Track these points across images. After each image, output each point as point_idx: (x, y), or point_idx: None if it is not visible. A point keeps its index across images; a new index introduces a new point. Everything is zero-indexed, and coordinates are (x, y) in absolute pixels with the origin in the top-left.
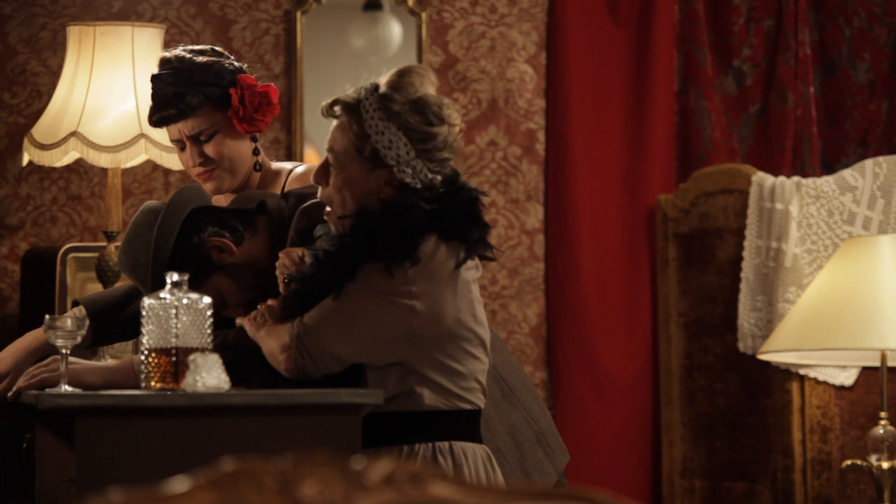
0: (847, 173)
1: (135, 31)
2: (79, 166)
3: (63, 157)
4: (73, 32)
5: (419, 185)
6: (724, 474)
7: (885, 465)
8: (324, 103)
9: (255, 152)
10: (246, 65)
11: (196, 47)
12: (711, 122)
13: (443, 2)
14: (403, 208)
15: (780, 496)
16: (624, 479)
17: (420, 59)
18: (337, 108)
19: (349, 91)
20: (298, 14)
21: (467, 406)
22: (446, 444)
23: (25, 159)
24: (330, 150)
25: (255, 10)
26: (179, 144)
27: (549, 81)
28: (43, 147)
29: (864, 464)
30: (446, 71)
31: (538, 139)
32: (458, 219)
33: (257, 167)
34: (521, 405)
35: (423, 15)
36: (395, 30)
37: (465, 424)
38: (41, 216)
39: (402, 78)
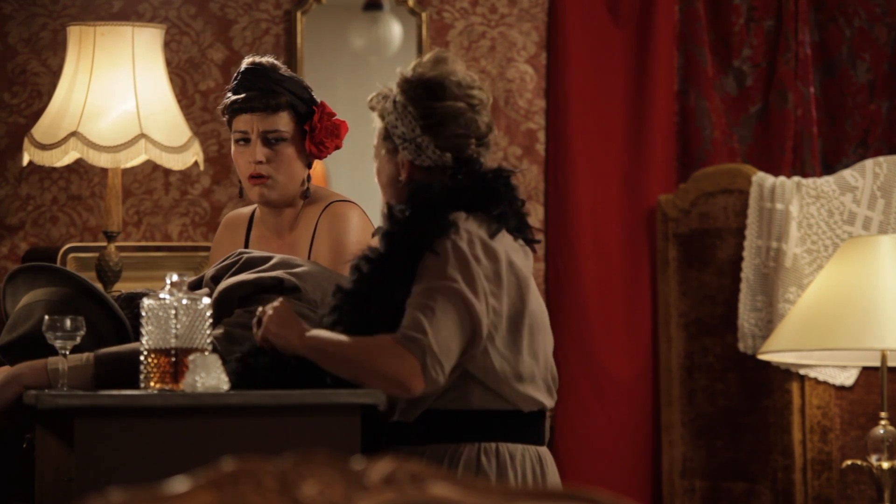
0: (847, 173)
1: (135, 31)
2: (79, 166)
3: (63, 157)
4: (74, 32)
5: (427, 163)
6: (724, 474)
7: (885, 465)
8: (370, 96)
9: (308, 179)
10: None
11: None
12: (711, 122)
13: (443, 2)
14: (418, 189)
15: (780, 496)
16: (624, 479)
17: None
18: (372, 100)
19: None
20: (298, 14)
21: (523, 406)
22: (493, 445)
23: (25, 159)
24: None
25: (255, 10)
26: (244, 139)
27: (549, 81)
28: (43, 147)
29: (865, 464)
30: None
31: (538, 139)
32: (481, 194)
33: (305, 195)
34: None
35: (423, 15)
36: (395, 30)
37: (518, 425)
38: (41, 216)
39: (432, 60)
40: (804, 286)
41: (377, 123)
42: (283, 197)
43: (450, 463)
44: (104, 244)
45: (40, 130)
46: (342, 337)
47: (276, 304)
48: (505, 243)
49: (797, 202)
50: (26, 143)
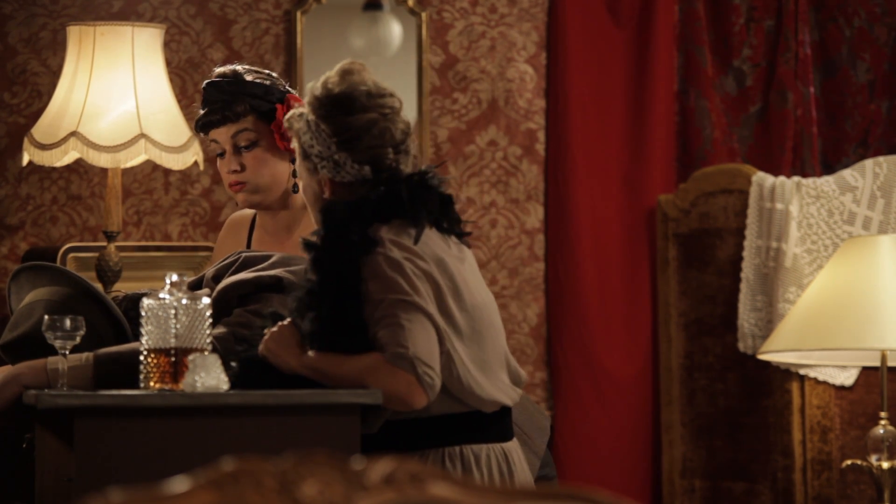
0: (847, 173)
1: (135, 31)
2: (79, 166)
3: (63, 157)
4: (73, 32)
5: (347, 179)
6: (724, 474)
7: (885, 465)
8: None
9: (294, 174)
10: (297, 90)
11: (254, 68)
12: (711, 122)
13: (443, 2)
14: (327, 211)
15: (780, 496)
16: (624, 479)
17: (420, 59)
18: (288, 119)
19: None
20: (298, 14)
21: (485, 409)
22: (456, 448)
23: (25, 159)
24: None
25: (255, 10)
26: (220, 153)
27: (549, 81)
28: (43, 147)
29: (864, 464)
30: (446, 71)
31: (538, 139)
32: (393, 202)
33: (295, 189)
34: None
35: (423, 15)
36: (395, 30)
37: (480, 425)
38: (41, 216)
39: (339, 76)
40: (804, 286)
41: (294, 144)
42: (267, 198)
43: None
44: (104, 244)
45: (40, 130)
46: (339, 358)
47: (282, 323)
48: (432, 245)
49: (797, 202)
50: (26, 142)
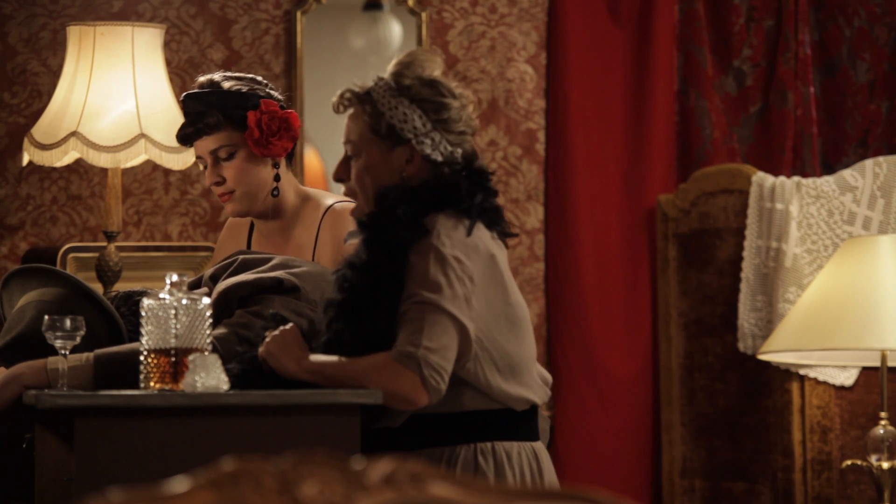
0: (847, 173)
1: (135, 31)
2: (79, 166)
3: (63, 157)
4: (73, 32)
5: (440, 158)
6: (724, 474)
7: (885, 465)
8: (334, 98)
9: (276, 178)
10: (282, 93)
11: (235, 74)
12: (711, 122)
13: (443, 2)
14: (384, 193)
15: (780, 496)
16: (624, 479)
17: None
18: (347, 96)
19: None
20: (298, 14)
21: (515, 406)
22: (488, 444)
23: (25, 159)
24: (347, 142)
25: (255, 10)
26: (203, 163)
27: (549, 81)
28: (43, 147)
29: (864, 464)
30: (446, 71)
31: (538, 139)
32: (455, 191)
33: (274, 193)
34: None
35: (423, 15)
36: (395, 30)
37: (511, 423)
38: (41, 216)
39: (410, 58)
40: (804, 286)
41: (355, 120)
42: (254, 205)
43: (447, 465)
44: (104, 244)
45: (40, 130)
46: (340, 360)
47: (285, 326)
48: (483, 238)
49: (797, 202)
50: (26, 143)
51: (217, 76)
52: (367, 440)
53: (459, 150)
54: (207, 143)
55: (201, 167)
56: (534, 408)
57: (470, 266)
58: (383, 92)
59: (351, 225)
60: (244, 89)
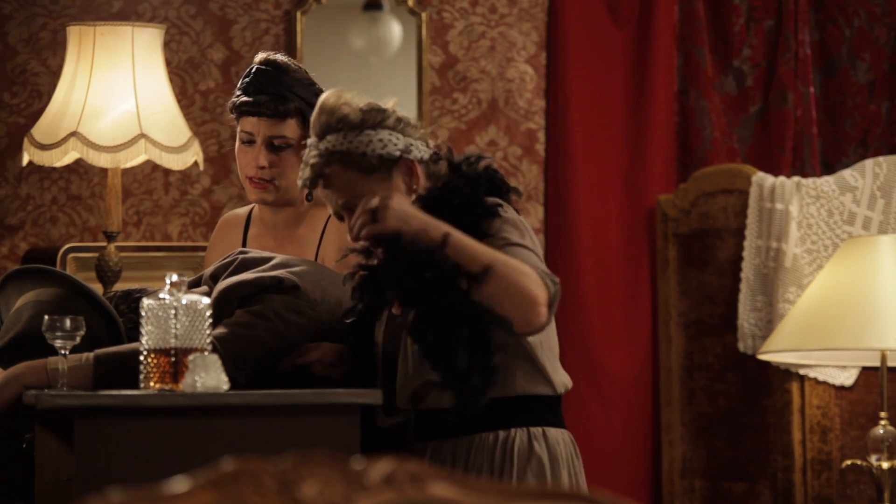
0: (847, 173)
1: (135, 31)
2: (79, 166)
3: (63, 157)
4: (73, 32)
5: (428, 156)
6: (724, 474)
7: (885, 465)
8: (305, 178)
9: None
10: None
11: (301, 66)
12: (711, 122)
13: (443, 2)
14: (459, 182)
15: (780, 496)
16: (624, 479)
17: (420, 59)
18: (320, 169)
19: (306, 161)
20: (298, 14)
21: (558, 386)
22: (539, 429)
23: (25, 159)
24: (347, 202)
25: (255, 10)
26: (249, 141)
27: (549, 81)
28: (43, 147)
29: (864, 464)
30: (446, 71)
31: (538, 139)
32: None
33: (310, 198)
34: None
35: (423, 15)
36: (395, 30)
37: (554, 409)
38: (41, 216)
39: (332, 108)
40: (804, 286)
41: (341, 176)
42: (281, 199)
43: (503, 450)
44: (104, 244)
45: (40, 130)
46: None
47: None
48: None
49: (797, 202)
50: (26, 143)
51: (291, 62)
52: (417, 428)
53: (429, 144)
54: (272, 127)
55: (241, 142)
56: (561, 396)
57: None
58: (350, 137)
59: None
60: (317, 86)
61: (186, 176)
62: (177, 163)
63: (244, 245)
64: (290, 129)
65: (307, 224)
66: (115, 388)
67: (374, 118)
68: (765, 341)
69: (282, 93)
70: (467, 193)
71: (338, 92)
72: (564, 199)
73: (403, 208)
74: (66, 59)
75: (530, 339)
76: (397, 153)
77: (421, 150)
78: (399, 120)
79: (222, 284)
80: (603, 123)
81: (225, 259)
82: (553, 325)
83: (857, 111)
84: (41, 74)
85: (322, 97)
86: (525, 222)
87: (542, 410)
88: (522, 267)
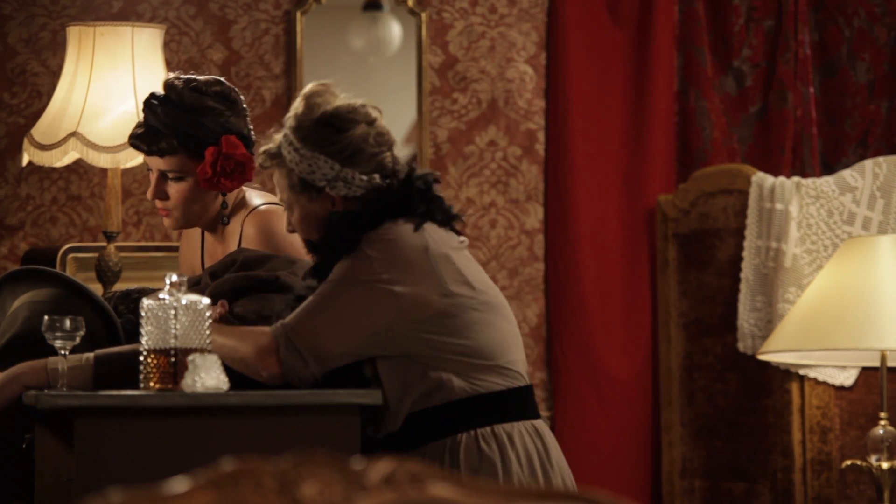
0: (847, 173)
1: (135, 32)
2: (79, 166)
3: (63, 158)
4: (73, 33)
5: (360, 193)
6: (724, 474)
7: (885, 465)
8: (257, 160)
9: (223, 206)
10: (248, 110)
11: (203, 80)
12: (711, 122)
13: (443, 2)
14: (329, 220)
15: (780, 496)
16: (624, 479)
17: (420, 60)
18: (262, 159)
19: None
20: (298, 14)
21: (501, 385)
22: (488, 429)
23: (25, 159)
24: (281, 199)
25: (255, 10)
26: (149, 170)
27: (549, 81)
28: (43, 147)
29: (864, 464)
30: (446, 71)
31: (538, 139)
32: (406, 200)
33: (224, 220)
34: None
35: (423, 15)
36: (395, 30)
37: (507, 403)
38: (41, 216)
39: (307, 101)
40: (804, 286)
41: (278, 178)
42: (188, 225)
43: (451, 455)
44: (104, 244)
45: (40, 130)
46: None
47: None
48: (438, 239)
49: (797, 202)
50: (26, 143)
51: (183, 84)
52: (365, 448)
53: (377, 175)
54: (157, 162)
55: (147, 170)
56: (528, 386)
57: (402, 271)
58: (288, 148)
59: (278, 224)
60: (208, 114)
61: None
62: None
63: (203, 253)
64: (179, 162)
65: (230, 233)
66: (114, 389)
67: (323, 137)
68: (765, 341)
69: (159, 130)
70: (345, 232)
71: (322, 86)
72: (564, 199)
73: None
74: (65, 60)
75: (445, 345)
76: (321, 185)
77: (350, 187)
78: (363, 139)
79: (218, 280)
80: (603, 123)
81: (225, 259)
82: (472, 322)
83: (857, 111)
84: (41, 74)
85: (308, 86)
86: (404, 254)
87: (489, 409)
88: (231, 335)
